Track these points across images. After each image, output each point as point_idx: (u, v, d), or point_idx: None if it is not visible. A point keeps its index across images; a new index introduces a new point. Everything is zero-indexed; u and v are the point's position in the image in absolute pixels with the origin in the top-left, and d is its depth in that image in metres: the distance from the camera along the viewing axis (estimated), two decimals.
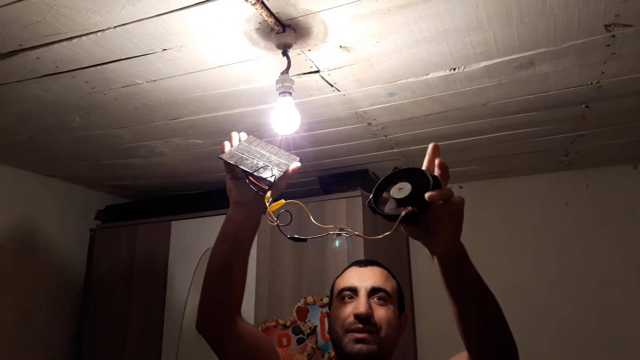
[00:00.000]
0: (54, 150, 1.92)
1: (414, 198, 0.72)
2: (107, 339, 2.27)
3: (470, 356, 0.91)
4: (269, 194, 1.00)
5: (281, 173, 1.03)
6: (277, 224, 0.96)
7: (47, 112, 1.57)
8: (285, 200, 0.99)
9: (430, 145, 0.79)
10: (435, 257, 0.82)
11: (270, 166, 1.03)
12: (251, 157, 1.05)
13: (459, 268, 0.81)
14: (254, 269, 2.05)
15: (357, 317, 1.13)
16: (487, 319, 0.86)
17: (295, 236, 0.96)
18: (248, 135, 1.12)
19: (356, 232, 0.89)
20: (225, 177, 1.12)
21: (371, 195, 0.78)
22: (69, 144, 1.85)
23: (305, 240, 0.96)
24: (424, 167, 0.77)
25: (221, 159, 1.05)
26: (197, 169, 2.16)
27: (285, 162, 1.07)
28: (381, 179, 0.79)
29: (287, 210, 0.97)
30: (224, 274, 1.08)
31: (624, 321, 2.02)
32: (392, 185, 0.76)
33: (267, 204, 0.99)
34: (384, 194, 0.77)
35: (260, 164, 1.03)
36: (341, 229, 0.89)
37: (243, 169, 1.02)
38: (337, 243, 1.96)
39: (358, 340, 1.12)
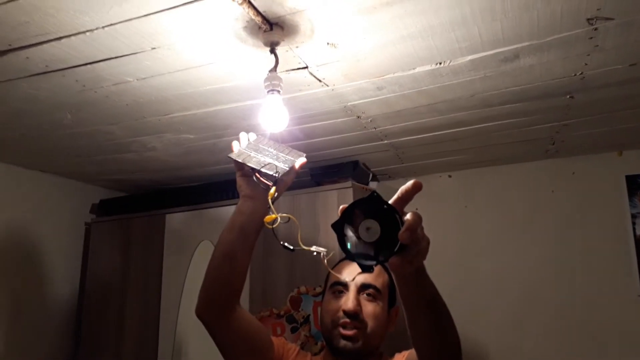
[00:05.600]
0: (46, 146, 1.93)
1: (380, 247, 0.68)
2: (105, 331, 2.30)
3: (418, 356, 0.95)
4: (273, 189, 1.07)
5: (286, 169, 1.10)
6: (272, 229, 1.03)
7: (38, 110, 1.58)
8: (285, 215, 1.04)
9: (411, 183, 0.70)
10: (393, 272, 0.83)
11: (275, 163, 1.10)
12: (258, 154, 1.12)
13: (415, 282, 0.82)
14: None
15: (346, 313, 1.18)
16: (437, 326, 0.87)
17: (286, 244, 1.04)
18: (257, 135, 1.18)
19: (326, 266, 0.94)
20: (235, 174, 1.17)
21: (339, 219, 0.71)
22: (61, 140, 1.86)
23: (292, 250, 1.03)
24: (396, 200, 0.70)
25: (230, 157, 1.12)
26: (189, 163, 2.17)
27: (291, 158, 1.14)
28: (352, 203, 0.72)
29: (289, 216, 1.04)
30: (228, 260, 1.14)
31: (611, 306, 2.06)
32: (361, 208, 0.71)
33: (270, 200, 1.06)
34: (356, 213, 0.71)
35: (267, 161, 1.10)
36: (318, 253, 0.95)
37: (250, 166, 1.10)
38: None
39: (345, 337, 1.17)
